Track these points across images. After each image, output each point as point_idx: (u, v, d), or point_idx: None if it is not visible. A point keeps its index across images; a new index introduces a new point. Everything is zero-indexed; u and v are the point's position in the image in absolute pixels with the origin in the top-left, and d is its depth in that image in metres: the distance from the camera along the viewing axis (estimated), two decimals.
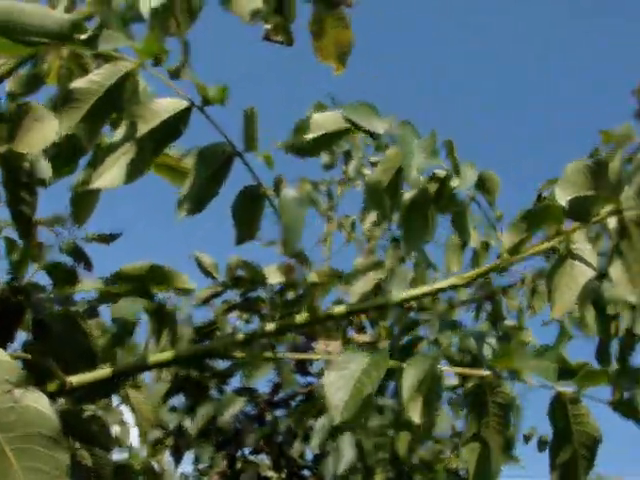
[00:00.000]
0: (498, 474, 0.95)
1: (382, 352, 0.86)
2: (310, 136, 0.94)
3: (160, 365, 1.02)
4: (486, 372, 0.92)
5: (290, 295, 2.03)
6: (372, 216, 1.00)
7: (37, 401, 0.61)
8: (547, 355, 0.88)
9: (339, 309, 0.97)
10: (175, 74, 0.88)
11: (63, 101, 0.84)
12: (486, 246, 1.69)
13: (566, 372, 0.87)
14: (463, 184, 1.02)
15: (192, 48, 1.02)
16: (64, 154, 0.86)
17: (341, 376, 0.83)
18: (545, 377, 0.87)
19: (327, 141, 0.95)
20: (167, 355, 1.00)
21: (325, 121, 0.95)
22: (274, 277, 1.74)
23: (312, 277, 1.46)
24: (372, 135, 0.94)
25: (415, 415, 0.83)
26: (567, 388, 0.90)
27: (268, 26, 1.20)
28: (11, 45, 0.83)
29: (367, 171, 3.15)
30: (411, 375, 0.86)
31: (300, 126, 0.94)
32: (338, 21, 1.18)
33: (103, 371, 0.99)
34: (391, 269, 1.48)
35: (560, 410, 0.90)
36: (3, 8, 0.80)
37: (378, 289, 1.56)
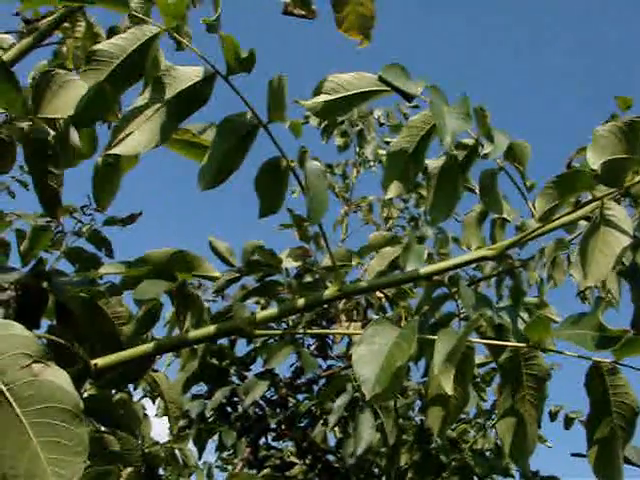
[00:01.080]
0: (534, 448, 0.93)
1: (411, 325, 0.83)
2: (337, 95, 0.90)
3: (199, 341, 1.00)
4: (520, 344, 0.89)
5: (307, 278, 2.01)
6: (393, 188, 0.96)
7: (56, 375, 0.60)
8: (583, 323, 0.85)
9: (366, 283, 0.95)
10: (212, 28, 0.85)
11: (85, 63, 0.82)
12: (503, 222, 1.66)
13: (606, 340, 0.84)
14: (496, 151, 0.98)
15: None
16: (85, 117, 0.84)
17: (370, 350, 0.80)
18: (583, 346, 0.84)
19: (356, 101, 0.92)
20: (208, 330, 0.97)
21: (356, 81, 0.92)
22: (289, 261, 1.73)
23: (328, 260, 1.43)
24: (406, 97, 0.91)
25: (448, 386, 0.80)
26: (604, 358, 0.87)
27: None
28: None
29: (383, 152, 3.12)
30: (443, 347, 0.83)
31: (322, 86, 0.91)
32: None
33: (129, 352, 0.98)
34: (407, 246, 1.45)
35: (597, 381, 0.87)
36: None
37: (394, 267, 1.53)
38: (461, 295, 1.05)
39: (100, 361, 0.95)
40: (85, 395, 1.16)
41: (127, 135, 0.85)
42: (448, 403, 0.89)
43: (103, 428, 1.17)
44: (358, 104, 0.93)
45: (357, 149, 3.40)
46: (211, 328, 0.97)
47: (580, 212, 0.93)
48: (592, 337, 0.84)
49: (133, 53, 0.86)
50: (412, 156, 0.99)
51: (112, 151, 0.86)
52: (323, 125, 3.16)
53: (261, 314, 0.99)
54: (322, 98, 0.92)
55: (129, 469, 1.09)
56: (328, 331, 1.62)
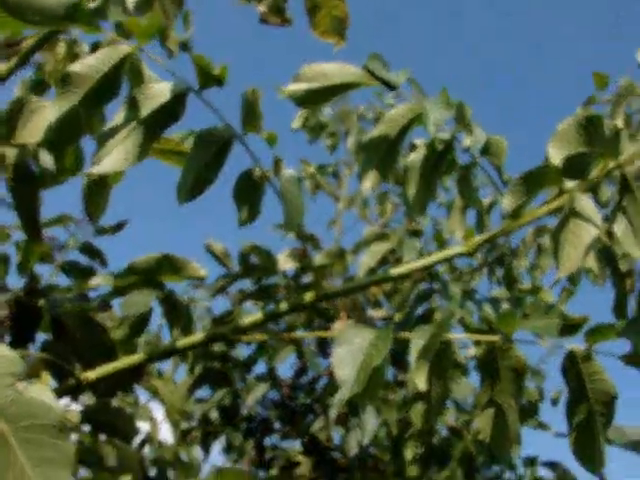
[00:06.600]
0: (517, 439, 0.95)
1: (388, 326, 0.86)
2: (318, 84, 0.91)
3: (188, 348, 1.03)
4: (496, 337, 0.92)
5: (305, 279, 2.04)
6: (370, 178, 0.97)
7: (39, 392, 0.62)
8: (548, 314, 0.88)
9: (344, 286, 0.97)
10: (184, 47, 0.87)
11: (60, 85, 0.84)
12: (489, 208, 1.68)
13: (568, 327, 0.86)
14: (476, 143, 1.00)
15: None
16: (62, 138, 0.86)
17: (348, 351, 0.83)
18: (548, 333, 0.87)
19: (337, 91, 0.93)
20: (195, 338, 1.00)
21: (337, 71, 0.93)
22: (286, 263, 1.75)
23: (320, 258, 1.46)
24: (390, 87, 0.91)
25: (420, 382, 0.82)
26: (578, 345, 0.90)
27: (262, 8, 1.19)
28: (16, 24, 0.84)
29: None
30: (417, 343, 0.86)
31: (302, 74, 0.92)
32: None
33: (120, 362, 1.01)
34: (400, 240, 1.47)
35: (572, 368, 0.90)
36: None
37: (386, 262, 1.55)
38: (441, 290, 1.08)
39: (90, 374, 0.98)
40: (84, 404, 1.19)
41: (105, 154, 0.87)
42: (429, 398, 0.91)
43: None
44: (338, 94, 0.94)
45: (347, 148, 3.40)
46: (198, 336, 1.00)
47: (550, 206, 0.95)
48: (555, 325, 0.87)
49: (106, 74, 0.87)
50: (390, 146, 1.01)
51: (91, 171, 0.88)
52: (308, 127, 3.16)
53: (247, 320, 1.02)
54: (303, 86, 0.93)
55: (127, 476, 1.11)
56: (321, 334, 1.64)
